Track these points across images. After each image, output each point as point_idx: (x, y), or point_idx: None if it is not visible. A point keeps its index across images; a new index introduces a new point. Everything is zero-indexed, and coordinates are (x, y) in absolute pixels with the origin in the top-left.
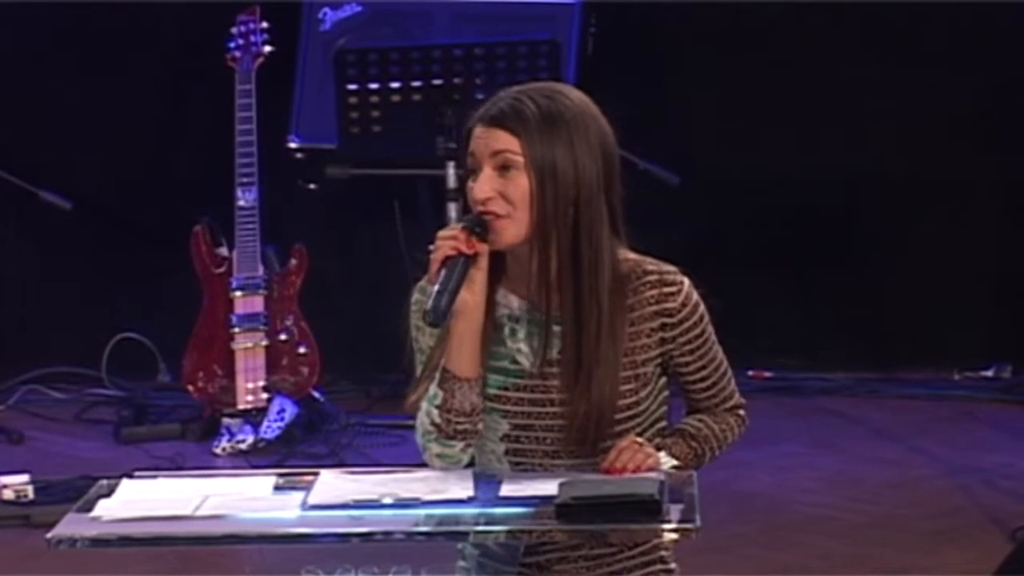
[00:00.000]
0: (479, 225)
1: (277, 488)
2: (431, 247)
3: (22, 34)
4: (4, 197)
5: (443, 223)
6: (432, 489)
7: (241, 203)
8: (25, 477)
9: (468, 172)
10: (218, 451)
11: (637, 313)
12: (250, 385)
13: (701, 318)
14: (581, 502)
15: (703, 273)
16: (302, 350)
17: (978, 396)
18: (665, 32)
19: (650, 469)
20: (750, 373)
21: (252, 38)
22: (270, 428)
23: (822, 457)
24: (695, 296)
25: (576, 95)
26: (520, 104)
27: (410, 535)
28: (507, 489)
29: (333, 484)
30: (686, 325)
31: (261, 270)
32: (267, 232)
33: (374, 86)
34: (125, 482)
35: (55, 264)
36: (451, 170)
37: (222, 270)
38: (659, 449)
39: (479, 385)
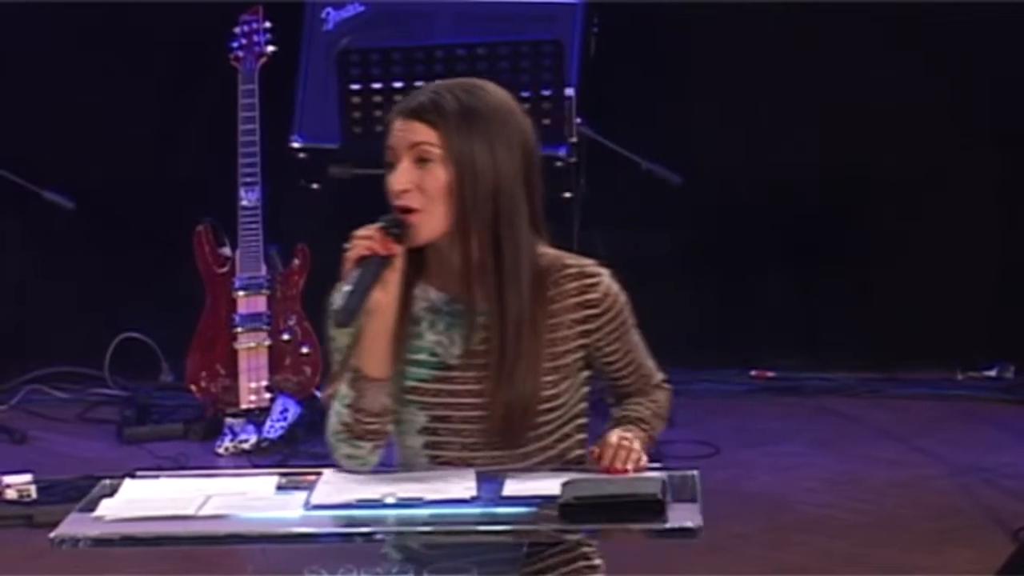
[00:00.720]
0: (396, 226)
1: (280, 488)
2: (346, 245)
3: (24, 34)
4: (7, 197)
5: None
6: (434, 489)
7: (244, 203)
8: (28, 477)
9: (387, 166)
10: (221, 451)
11: (558, 305)
12: (253, 385)
13: (623, 307)
14: (584, 502)
15: (706, 273)
16: (305, 350)
17: (981, 396)
18: (668, 32)
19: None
20: (753, 373)
21: (255, 38)
22: (273, 428)
23: (824, 457)
24: (615, 286)
25: (496, 91)
26: (439, 98)
27: (412, 535)
28: (510, 489)
29: (336, 484)
30: (609, 315)
31: (264, 270)
32: (270, 232)
33: (377, 86)
34: (128, 482)
35: (58, 264)
36: None
37: (225, 270)
38: None
39: (390, 386)
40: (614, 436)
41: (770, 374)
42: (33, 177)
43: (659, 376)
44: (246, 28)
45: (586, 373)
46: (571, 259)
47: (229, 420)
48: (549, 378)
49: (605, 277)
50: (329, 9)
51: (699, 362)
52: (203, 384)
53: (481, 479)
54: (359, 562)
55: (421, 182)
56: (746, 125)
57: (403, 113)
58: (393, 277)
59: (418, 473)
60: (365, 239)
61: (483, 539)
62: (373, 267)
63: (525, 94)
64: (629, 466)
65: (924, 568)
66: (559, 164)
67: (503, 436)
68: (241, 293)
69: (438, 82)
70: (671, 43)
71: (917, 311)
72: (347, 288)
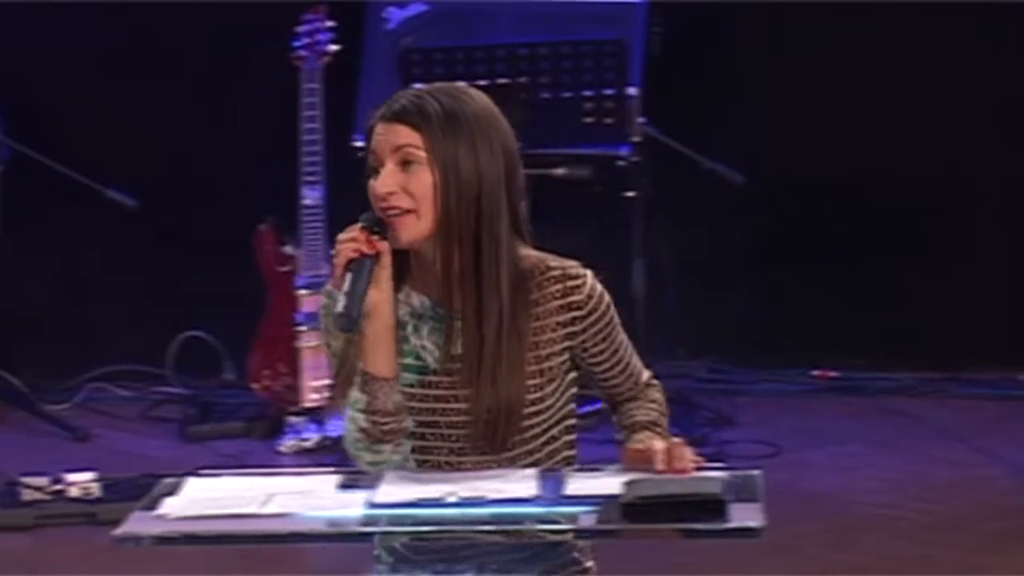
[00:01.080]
0: (377, 223)
1: (342, 487)
2: (332, 252)
3: (89, 34)
4: (70, 195)
5: None
6: (496, 488)
7: (307, 201)
8: (91, 475)
9: (369, 171)
10: (283, 449)
11: (542, 308)
12: (315, 383)
13: (608, 307)
14: (646, 501)
15: (768, 273)
16: None
17: None
18: (731, 31)
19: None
20: (815, 373)
21: (318, 37)
22: (335, 426)
23: (886, 457)
24: (599, 287)
25: (478, 96)
26: (422, 101)
27: (474, 534)
28: (572, 488)
29: (398, 483)
30: (595, 316)
31: (326, 269)
32: (332, 231)
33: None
34: (190, 480)
35: (121, 262)
36: None
37: (287, 269)
38: None
39: (398, 383)
40: (658, 440)
41: (832, 374)
42: (96, 176)
43: (647, 374)
44: (309, 27)
45: (573, 375)
46: (554, 261)
47: (291, 418)
48: (534, 381)
49: (589, 278)
50: (392, 8)
51: (761, 362)
52: (265, 383)
53: (543, 478)
54: (421, 561)
55: (406, 184)
56: (808, 124)
57: (385, 117)
58: (385, 274)
59: (480, 472)
60: (350, 242)
61: (538, 538)
62: (364, 268)
63: (587, 93)
64: (689, 466)
65: (986, 568)
66: (621, 163)
67: (489, 441)
68: (303, 292)
69: (419, 86)
70: (734, 43)
71: (979, 311)
72: (344, 293)
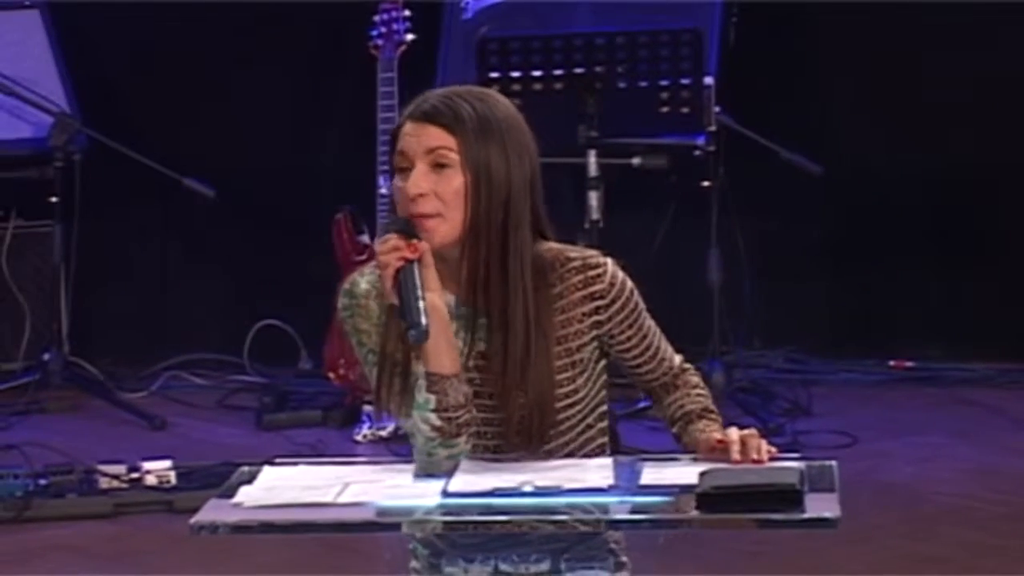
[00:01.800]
0: (408, 225)
1: (418, 476)
2: (374, 264)
3: (166, 28)
4: (150, 185)
5: (584, 211)
6: (572, 477)
7: (383, 191)
8: (168, 463)
9: (395, 171)
10: (359, 438)
11: (565, 300)
12: None
13: (631, 293)
14: (722, 491)
15: (846, 263)
16: None
17: None
18: (808, 21)
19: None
20: (892, 363)
21: (394, 26)
22: None
23: (963, 448)
24: (620, 273)
25: (504, 100)
26: (455, 104)
27: (550, 524)
28: (647, 477)
29: (473, 472)
30: (619, 304)
31: None
32: None
33: (516, 74)
34: (266, 469)
35: (198, 252)
36: (593, 158)
37: (363, 258)
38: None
39: (463, 374)
40: (732, 430)
41: (909, 364)
42: (174, 165)
43: (679, 358)
44: (385, 16)
45: (603, 363)
46: (574, 252)
47: (367, 407)
48: (566, 374)
49: (609, 266)
50: None
51: (838, 352)
52: (342, 371)
53: (618, 467)
54: (496, 550)
55: (437, 187)
56: (884, 114)
57: (417, 117)
58: (431, 273)
59: (555, 462)
60: (392, 251)
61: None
62: (413, 275)
63: (664, 82)
64: (765, 456)
65: None
66: (698, 153)
67: (525, 438)
68: None
69: (445, 88)
70: (811, 32)
71: None
72: (403, 306)
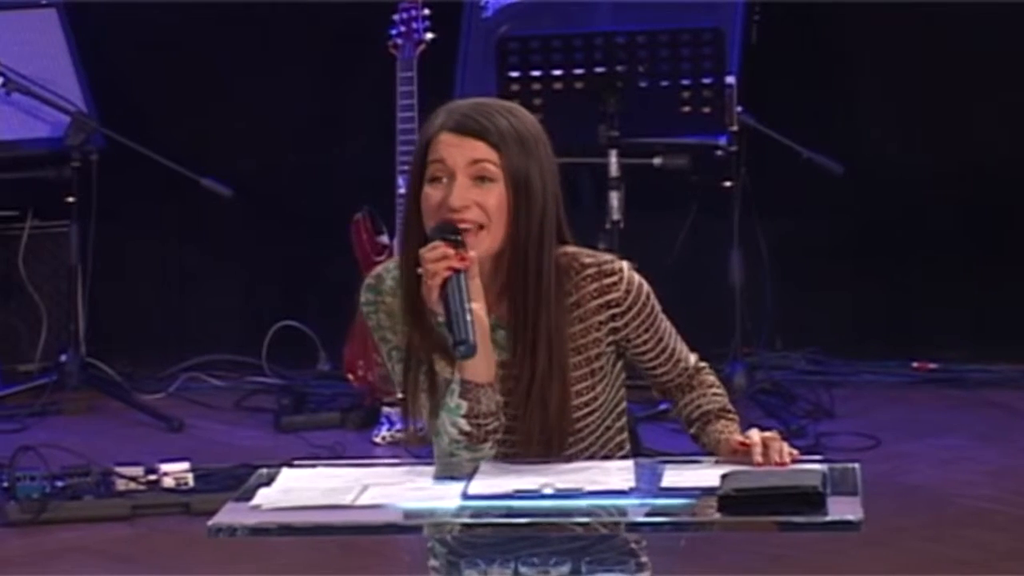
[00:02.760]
0: (455, 233)
1: (437, 477)
2: (419, 271)
3: (184, 28)
4: (167, 185)
5: (604, 211)
6: (593, 480)
7: (402, 191)
8: (185, 465)
9: (428, 180)
10: (378, 440)
11: (583, 309)
12: None
13: (648, 297)
14: (744, 494)
15: (868, 264)
16: None
17: None
18: (829, 21)
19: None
20: (915, 364)
21: (414, 25)
22: None
23: (986, 450)
24: (636, 278)
25: (529, 114)
26: (494, 117)
27: (571, 526)
28: (668, 480)
29: (493, 474)
30: (635, 309)
31: None
32: None
33: (536, 73)
34: (285, 471)
35: (216, 252)
36: (613, 158)
37: (383, 258)
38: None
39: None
40: (754, 432)
41: (932, 366)
42: (191, 165)
43: (694, 357)
44: (405, 15)
45: (620, 364)
46: (588, 258)
47: (386, 409)
48: (585, 383)
49: (625, 271)
50: None
51: (861, 353)
52: (360, 373)
53: (640, 469)
54: (516, 552)
55: (480, 199)
56: (906, 114)
57: (455, 130)
58: (476, 284)
59: (576, 464)
60: (441, 260)
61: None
62: (460, 285)
63: (685, 82)
64: (787, 459)
65: None
66: (719, 153)
67: (543, 447)
68: None
69: (474, 100)
70: (833, 32)
71: None
72: (452, 317)
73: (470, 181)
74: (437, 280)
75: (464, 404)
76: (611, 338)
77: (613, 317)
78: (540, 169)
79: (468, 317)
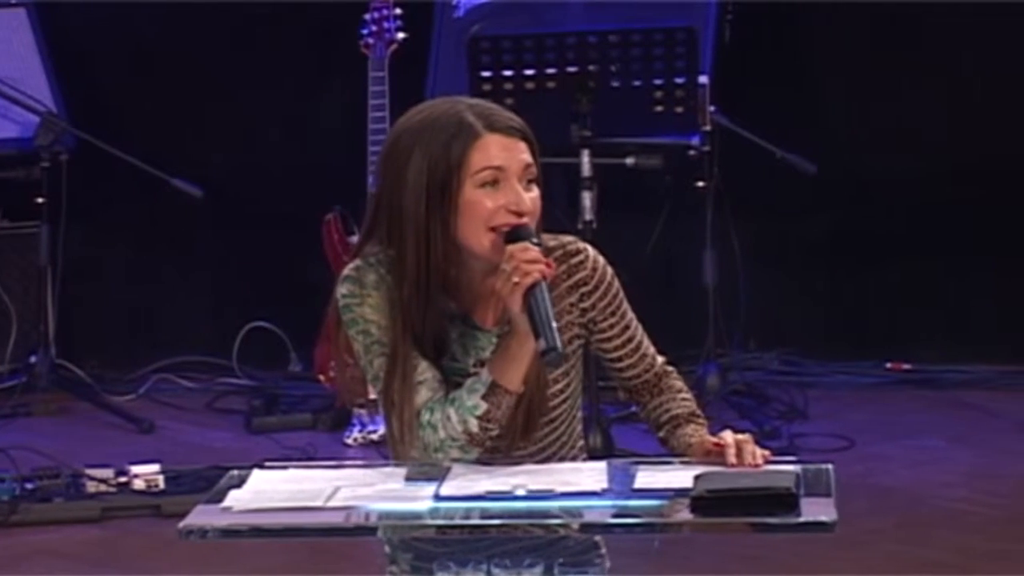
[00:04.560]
0: (535, 237)
1: (409, 479)
2: (504, 267)
3: (154, 28)
4: (137, 186)
5: (577, 211)
6: (565, 481)
7: (373, 191)
8: (156, 467)
9: (476, 184)
10: (349, 441)
11: (554, 292)
12: None
13: (613, 278)
14: (717, 495)
15: (841, 264)
16: None
17: None
18: (802, 20)
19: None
20: (889, 365)
21: (385, 25)
22: None
23: (961, 451)
24: (601, 259)
25: None
26: (516, 116)
27: (543, 528)
28: (642, 481)
29: (465, 476)
30: (602, 289)
31: None
32: None
33: (508, 73)
34: (256, 472)
35: (186, 252)
36: (586, 158)
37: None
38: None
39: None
40: (727, 433)
41: (906, 366)
42: (161, 165)
43: (661, 359)
44: (376, 15)
45: (581, 351)
46: (552, 241)
47: (358, 410)
48: (560, 369)
49: (590, 251)
50: None
51: (835, 354)
52: (332, 374)
53: (612, 471)
54: (488, 555)
55: (533, 203)
56: (878, 114)
57: (505, 131)
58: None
59: (549, 465)
60: (533, 263)
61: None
62: (543, 291)
63: (658, 82)
64: (760, 461)
65: None
66: (692, 153)
67: (523, 434)
68: None
69: (476, 100)
70: (805, 32)
71: None
72: (538, 326)
73: (522, 185)
74: (528, 280)
75: (484, 405)
76: (580, 320)
77: (582, 297)
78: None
79: (552, 327)
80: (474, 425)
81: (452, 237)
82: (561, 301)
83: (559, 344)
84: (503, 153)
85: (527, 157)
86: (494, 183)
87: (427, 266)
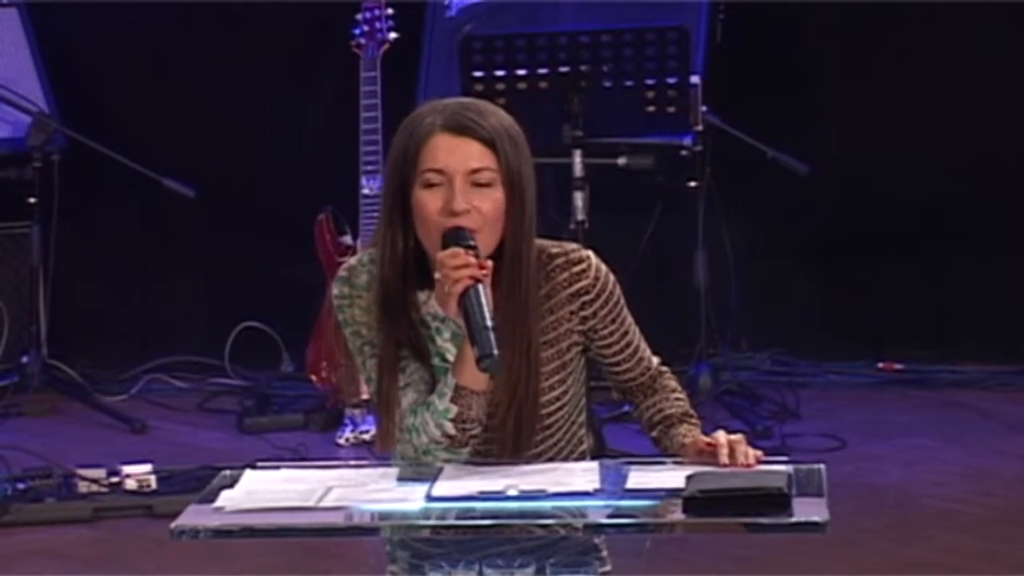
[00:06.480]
0: (470, 239)
1: (401, 479)
2: (437, 276)
3: (146, 28)
4: (129, 186)
5: (569, 212)
6: (557, 481)
7: (365, 191)
8: (148, 467)
9: (422, 185)
10: (341, 441)
11: (553, 300)
12: None
13: (614, 286)
14: (709, 495)
15: (833, 264)
16: None
17: None
18: (794, 20)
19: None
20: (880, 365)
21: (377, 25)
22: None
23: (953, 451)
24: (603, 267)
25: (504, 112)
26: (484, 118)
27: (535, 528)
28: (634, 481)
29: (457, 476)
30: (603, 297)
31: None
32: None
33: (500, 73)
34: (248, 472)
35: (178, 253)
36: (578, 158)
37: (345, 258)
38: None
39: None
40: (720, 434)
41: (898, 366)
42: (153, 165)
43: (656, 360)
44: (368, 15)
45: (584, 359)
46: (555, 248)
47: (350, 411)
48: (557, 377)
49: (592, 259)
50: None
51: (827, 354)
52: (324, 374)
53: (605, 470)
54: (480, 555)
55: (480, 204)
56: (871, 113)
57: (453, 129)
58: (490, 293)
59: (541, 465)
60: (463, 267)
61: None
62: (480, 296)
63: (650, 81)
64: (752, 461)
65: None
66: (684, 153)
67: (515, 442)
68: None
69: (458, 100)
70: (797, 31)
71: None
72: (473, 332)
73: (469, 186)
74: (459, 288)
75: (454, 408)
76: (580, 328)
77: (583, 306)
78: (529, 170)
79: (488, 332)
80: (450, 428)
81: (417, 239)
82: (562, 308)
83: (495, 350)
84: (445, 154)
85: (474, 158)
86: (439, 184)
87: (392, 266)
